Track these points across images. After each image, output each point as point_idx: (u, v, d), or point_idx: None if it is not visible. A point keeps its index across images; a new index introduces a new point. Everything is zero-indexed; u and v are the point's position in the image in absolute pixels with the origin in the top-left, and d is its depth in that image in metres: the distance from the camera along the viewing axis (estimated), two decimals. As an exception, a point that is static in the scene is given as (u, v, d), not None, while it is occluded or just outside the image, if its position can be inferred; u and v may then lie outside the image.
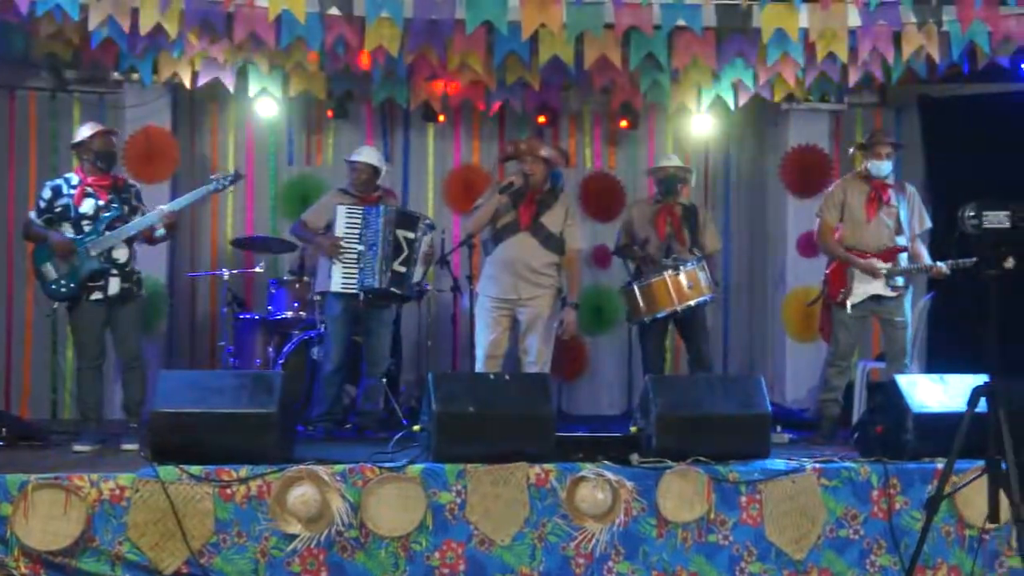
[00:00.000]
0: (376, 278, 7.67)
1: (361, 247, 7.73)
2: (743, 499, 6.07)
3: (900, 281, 7.62)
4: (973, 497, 5.90)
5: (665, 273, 7.72)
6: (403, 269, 7.76)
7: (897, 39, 7.22)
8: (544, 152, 7.76)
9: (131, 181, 7.52)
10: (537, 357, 7.60)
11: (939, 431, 5.93)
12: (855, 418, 7.97)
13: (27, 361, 9.57)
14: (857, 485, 6.17)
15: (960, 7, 6.96)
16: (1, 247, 9.50)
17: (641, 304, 7.81)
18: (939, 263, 7.61)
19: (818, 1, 6.79)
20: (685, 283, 7.67)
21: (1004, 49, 7.38)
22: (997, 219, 5.09)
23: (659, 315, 7.78)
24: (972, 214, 5.11)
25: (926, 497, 5.95)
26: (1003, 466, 5.02)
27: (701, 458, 6.08)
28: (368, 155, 8.14)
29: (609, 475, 5.95)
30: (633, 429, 6.44)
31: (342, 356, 7.90)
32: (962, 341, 7.15)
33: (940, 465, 6.08)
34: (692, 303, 7.72)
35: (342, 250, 7.75)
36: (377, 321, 7.98)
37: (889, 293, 7.61)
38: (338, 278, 7.77)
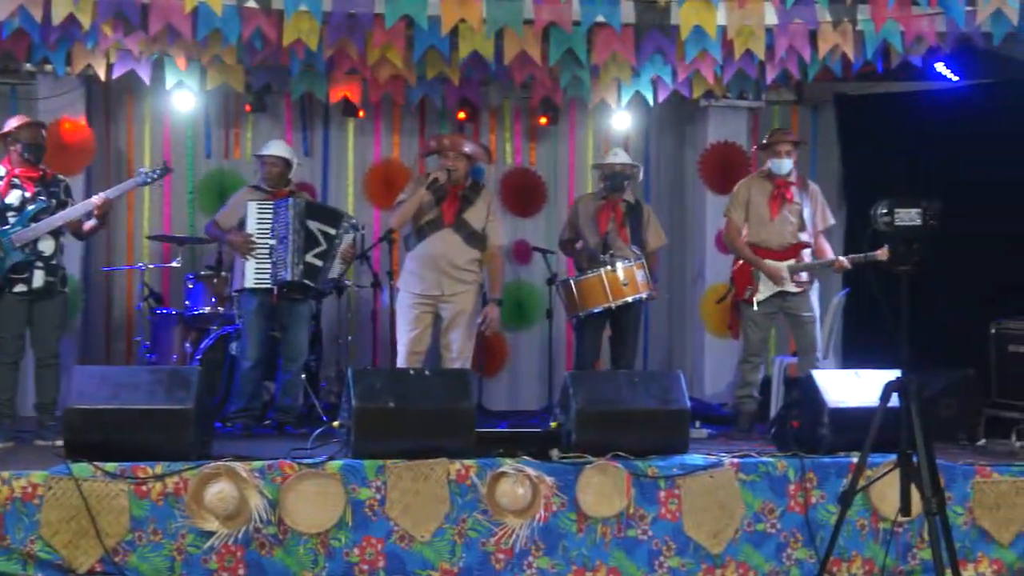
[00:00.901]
0: (288, 271, 7.65)
1: (272, 241, 7.72)
2: (662, 494, 6.12)
3: (804, 276, 7.75)
4: (886, 491, 5.98)
5: (601, 269, 7.78)
6: (318, 263, 7.75)
7: (813, 37, 7.30)
8: (468, 148, 7.81)
9: (60, 176, 7.42)
10: (459, 353, 7.64)
11: (854, 426, 5.97)
12: (772, 413, 8.07)
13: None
14: (774, 479, 6.25)
15: (874, 7, 7.06)
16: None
17: (577, 299, 7.86)
18: (841, 257, 7.78)
19: (735, -1, 6.92)
20: (621, 279, 7.72)
21: (916, 48, 7.50)
22: (909, 216, 5.20)
23: (594, 310, 7.82)
24: (884, 211, 5.22)
25: (841, 491, 6.07)
26: (914, 460, 5.10)
27: (620, 453, 6.14)
28: (277, 148, 8.11)
29: (529, 470, 5.98)
30: (553, 425, 6.48)
31: (259, 352, 7.87)
32: (877, 336, 7.28)
33: (855, 459, 6.15)
34: (628, 299, 7.77)
35: (254, 246, 7.72)
36: (293, 316, 7.95)
37: (794, 289, 7.75)
38: (251, 274, 7.76)
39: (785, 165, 7.85)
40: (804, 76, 8.15)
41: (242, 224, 7.83)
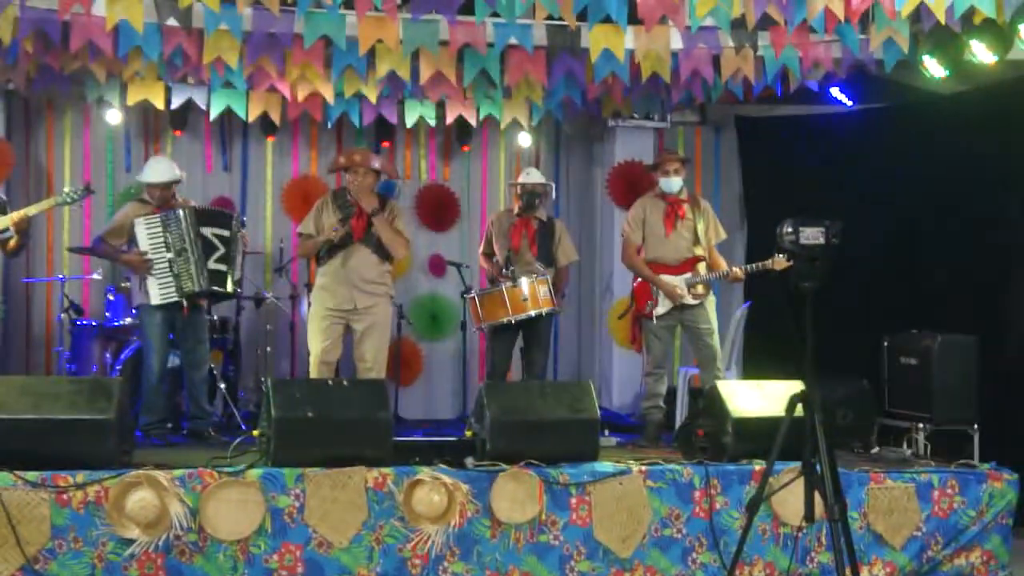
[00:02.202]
0: (195, 281, 7.59)
1: (170, 255, 7.59)
2: (573, 500, 6.27)
3: (701, 289, 7.99)
4: (787, 497, 6.16)
5: (503, 284, 7.97)
6: (223, 267, 7.72)
7: (716, 62, 7.46)
8: (376, 164, 7.88)
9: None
10: (373, 362, 7.72)
11: (756, 434, 6.20)
12: (678, 422, 8.27)
13: None
14: (680, 486, 6.40)
15: (774, 34, 7.20)
16: None
17: (480, 312, 8.05)
18: (735, 268, 8.03)
19: (642, 24, 6.90)
20: (522, 295, 7.90)
21: (813, 74, 7.75)
22: (813, 235, 5.30)
23: (495, 323, 8.02)
24: (789, 230, 5.32)
25: (744, 496, 6.27)
26: (817, 468, 5.24)
27: (533, 461, 6.25)
28: (163, 172, 7.84)
29: (445, 478, 6.08)
30: (468, 433, 6.60)
31: (164, 365, 7.80)
32: (778, 348, 7.47)
33: (758, 466, 6.39)
34: (531, 314, 7.95)
35: (152, 263, 7.59)
36: (192, 327, 7.83)
37: (692, 301, 7.95)
38: (156, 291, 7.60)
39: (674, 183, 8.04)
40: (707, 98, 8.40)
41: (131, 241, 7.69)
